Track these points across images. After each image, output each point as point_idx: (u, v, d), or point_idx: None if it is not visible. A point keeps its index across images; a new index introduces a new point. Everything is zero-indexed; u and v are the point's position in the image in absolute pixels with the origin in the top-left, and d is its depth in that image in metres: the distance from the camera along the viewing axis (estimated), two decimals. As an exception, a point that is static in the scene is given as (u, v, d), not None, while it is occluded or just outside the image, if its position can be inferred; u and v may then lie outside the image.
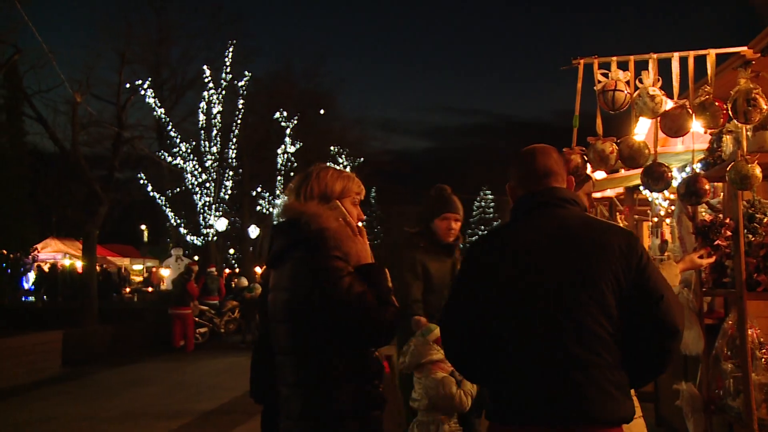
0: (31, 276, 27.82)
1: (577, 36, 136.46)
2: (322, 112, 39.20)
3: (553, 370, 2.33)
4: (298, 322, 2.68)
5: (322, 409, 2.64)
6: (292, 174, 33.38)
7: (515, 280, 2.45)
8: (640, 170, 4.63)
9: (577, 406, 2.31)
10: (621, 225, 10.42)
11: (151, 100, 24.63)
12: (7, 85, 19.93)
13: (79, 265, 25.58)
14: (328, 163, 3.22)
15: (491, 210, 76.41)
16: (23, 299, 26.27)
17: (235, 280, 22.76)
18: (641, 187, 6.27)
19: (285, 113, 32.21)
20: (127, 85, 21.81)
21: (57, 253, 31.53)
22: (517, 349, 2.40)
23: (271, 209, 33.19)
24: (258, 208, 33.88)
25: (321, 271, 2.63)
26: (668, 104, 4.48)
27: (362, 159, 37.64)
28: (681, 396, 4.96)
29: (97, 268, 22.17)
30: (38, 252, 27.87)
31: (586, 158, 4.50)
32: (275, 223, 2.93)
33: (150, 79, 25.66)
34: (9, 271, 25.32)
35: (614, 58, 4.59)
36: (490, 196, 76.20)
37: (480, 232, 74.51)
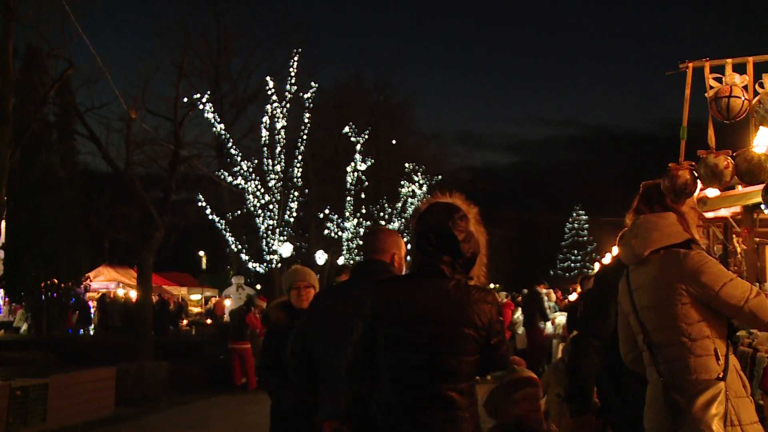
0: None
1: (685, 36, 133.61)
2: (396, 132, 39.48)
3: None
4: (459, 352, 3.27)
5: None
6: (362, 195, 33.62)
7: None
8: (760, 187, 4.48)
9: None
10: (738, 249, 10.05)
11: (210, 116, 25.18)
12: (59, 102, 20.63)
13: (133, 294, 26.18)
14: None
15: (585, 232, 75.02)
16: (75, 332, 27.00)
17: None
18: (762, 206, 6.08)
19: (355, 127, 32.46)
20: (185, 100, 22.33)
21: (110, 282, 32.38)
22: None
23: (339, 233, 33.42)
24: (326, 231, 34.13)
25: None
26: (794, 111, 4.34)
27: (440, 177, 37.58)
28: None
29: (153, 298, 22.64)
30: (90, 281, 28.74)
31: (696, 174, 4.37)
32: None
33: (209, 92, 26.27)
34: (60, 301, 26.20)
35: (729, 60, 4.47)
36: (583, 217, 74.77)
37: (573, 258, 73.31)
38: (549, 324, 16.48)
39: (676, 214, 3.67)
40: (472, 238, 3.40)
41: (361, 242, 34.31)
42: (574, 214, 75.24)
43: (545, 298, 16.86)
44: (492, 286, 42.09)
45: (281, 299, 5.69)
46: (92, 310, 29.60)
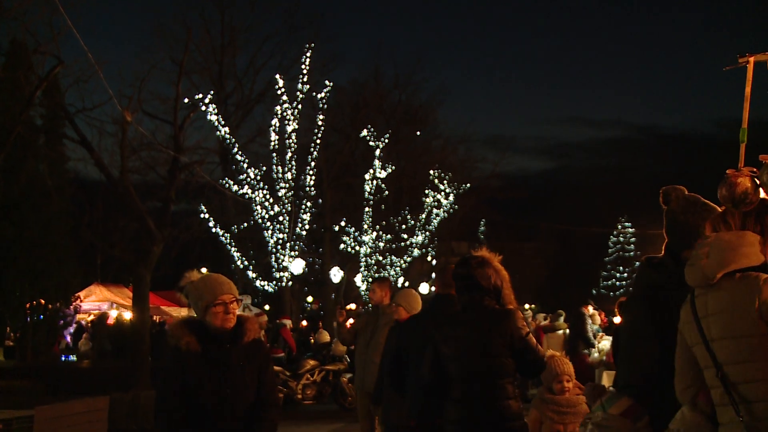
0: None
1: (746, 25, 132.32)
2: (418, 133, 39.42)
3: None
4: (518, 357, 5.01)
5: (510, 416, 4.90)
6: (382, 205, 33.53)
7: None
8: (832, 196, 4.41)
9: None
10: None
11: (214, 118, 25.27)
12: (47, 103, 20.67)
13: (128, 316, 26.21)
14: None
15: (631, 247, 74.31)
16: (64, 358, 27.06)
17: (313, 334, 22.84)
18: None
19: (374, 130, 32.39)
20: (186, 101, 22.40)
21: (102, 303, 32.36)
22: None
23: (357, 247, 33.36)
24: (341, 246, 34.07)
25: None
26: None
27: (468, 185, 37.42)
28: None
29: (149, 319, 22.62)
30: (81, 301, 28.80)
31: (758, 181, 4.31)
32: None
33: (212, 92, 26.39)
34: (47, 324, 26.25)
35: (795, 53, 4.42)
36: (629, 230, 73.98)
37: (619, 275, 72.69)
38: (594, 350, 16.27)
39: (753, 234, 3.55)
40: (490, 277, 5.08)
41: (380, 258, 34.29)
42: (619, 226, 74.19)
43: (589, 320, 16.63)
44: (527, 307, 41.86)
45: (187, 317, 4.94)
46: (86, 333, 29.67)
